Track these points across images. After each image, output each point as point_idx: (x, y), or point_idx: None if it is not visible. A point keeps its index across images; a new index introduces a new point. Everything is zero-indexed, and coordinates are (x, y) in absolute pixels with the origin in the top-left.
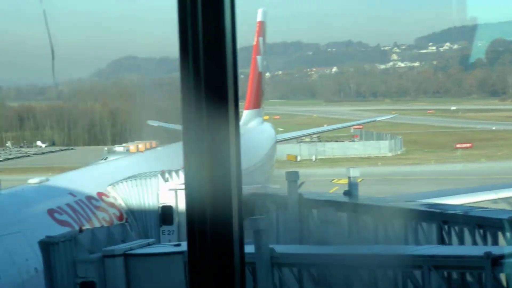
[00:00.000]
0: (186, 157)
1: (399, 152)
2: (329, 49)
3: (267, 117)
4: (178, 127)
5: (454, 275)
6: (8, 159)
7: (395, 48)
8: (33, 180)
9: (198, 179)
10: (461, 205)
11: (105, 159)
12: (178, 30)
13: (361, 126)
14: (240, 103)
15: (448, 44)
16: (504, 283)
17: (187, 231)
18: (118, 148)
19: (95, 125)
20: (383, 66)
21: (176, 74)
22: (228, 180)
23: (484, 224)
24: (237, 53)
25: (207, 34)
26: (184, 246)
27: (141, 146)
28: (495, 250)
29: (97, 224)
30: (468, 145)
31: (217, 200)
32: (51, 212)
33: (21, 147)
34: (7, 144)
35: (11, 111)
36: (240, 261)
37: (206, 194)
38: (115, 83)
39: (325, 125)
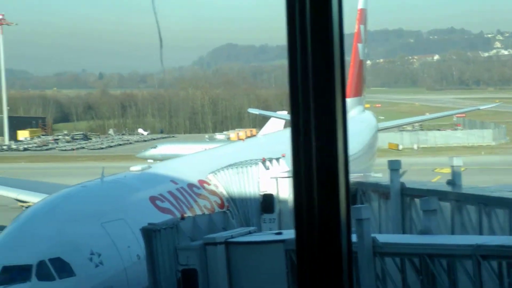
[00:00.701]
0: (293, 145)
1: (503, 141)
2: (430, 37)
3: (368, 106)
4: (278, 115)
5: None
6: (111, 146)
7: (498, 35)
8: (136, 168)
9: (305, 167)
10: None
11: (155, 147)
12: (286, 19)
13: (463, 115)
14: None
15: None
16: None
17: (295, 219)
18: (219, 136)
19: (196, 112)
20: (486, 54)
21: (275, 62)
22: (336, 168)
23: None
24: (344, 41)
25: (315, 23)
26: (285, 235)
27: (241, 134)
28: None
29: (198, 212)
30: None
31: (325, 188)
32: (153, 199)
33: (123, 134)
34: (109, 132)
35: (114, 98)
36: (347, 249)
37: (314, 183)
38: (215, 71)
39: (427, 114)
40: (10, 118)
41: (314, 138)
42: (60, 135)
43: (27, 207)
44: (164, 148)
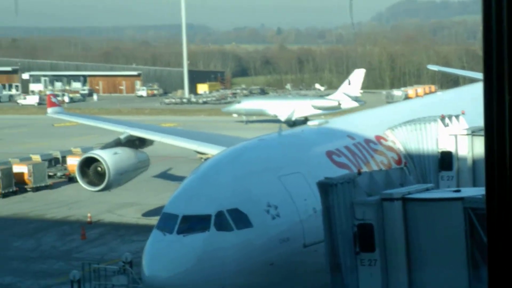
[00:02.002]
0: (486, 101)
1: None
2: None
3: None
4: (459, 72)
5: None
6: None
7: None
8: (313, 122)
9: (497, 124)
10: None
11: (239, 102)
12: None
13: None
14: None
15: None
16: None
17: (486, 176)
18: (396, 93)
19: (373, 69)
20: None
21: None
22: None
23: None
24: None
25: None
26: (464, 192)
27: (419, 90)
28: None
29: (375, 167)
30: None
31: None
32: (329, 154)
33: (300, 89)
34: (286, 87)
35: (291, 53)
36: None
37: (506, 140)
38: (394, 26)
39: None
40: (190, 72)
41: (508, 93)
42: (238, 89)
43: (206, 159)
44: (247, 103)
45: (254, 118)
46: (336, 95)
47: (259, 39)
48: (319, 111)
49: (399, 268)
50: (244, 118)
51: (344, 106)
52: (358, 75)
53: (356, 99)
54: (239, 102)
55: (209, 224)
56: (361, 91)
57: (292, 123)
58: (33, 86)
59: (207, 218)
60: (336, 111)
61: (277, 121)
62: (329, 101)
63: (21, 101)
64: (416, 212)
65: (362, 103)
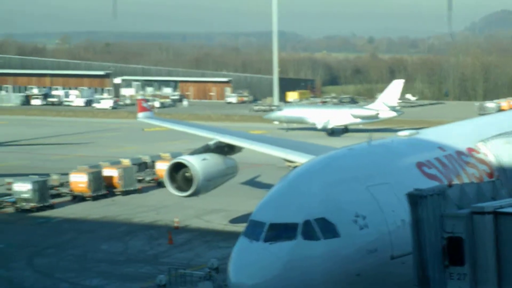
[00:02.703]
0: None
1: None
2: None
3: None
4: None
5: None
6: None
7: None
8: (403, 133)
9: None
10: None
11: (280, 110)
12: None
13: None
14: None
15: None
16: None
17: None
18: (489, 104)
19: (466, 79)
20: None
21: None
22: None
23: None
24: None
25: None
26: None
27: None
28: None
29: (466, 180)
30: None
31: None
32: (419, 165)
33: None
34: (376, 96)
35: (382, 63)
36: None
37: None
38: (488, 37)
39: None
40: (280, 80)
41: None
42: (328, 97)
43: (294, 167)
44: (288, 111)
45: (295, 125)
46: (375, 104)
47: (350, 48)
48: (358, 120)
49: (489, 283)
50: (285, 125)
51: (382, 116)
52: (396, 86)
53: (394, 109)
54: (280, 109)
55: (296, 232)
56: (400, 101)
57: (330, 131)
58: (124, 91)
59: (294, 227)
60: (374, 120)
61: (315, 129)
62: (368, 111)
63: (95, 104)
64: (508, 226)
65: (400, 113)
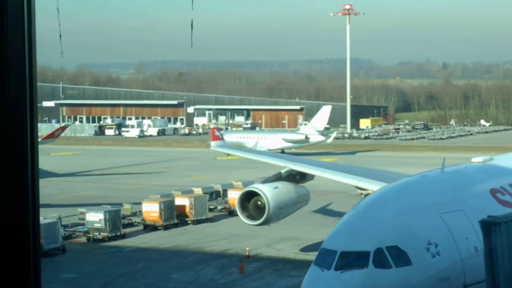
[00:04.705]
0: None
1: None
2: None
3: None
4: None
5: None
6: (451, 137)
7: None
8: (477, 159)
9: None
10: None
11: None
12: None
13: None
14: None
15: None
16: None
17: None
18: None
19: None
20: None
21: None
22: None
23: None
24: None
25: None
26: None
27: None
28: None
29: None
30: None
31: None
32: (493, 191)
33: (464, 125)
34: (450, 122)
35: (456, 89)
36: None
37: None
38: None
39: None
40: (353, 107)
41: None
42: (401, 124)
43: (366, 195)
44: (229, 137)
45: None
46: (304, 129)
47: (424, 74)
48: (290, 144)
49: None
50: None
51: (312, 140)
52: (325, 111)
53: (322, 133)
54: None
55: (367, 260)
56: (327, 125)
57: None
58: (197, 120)
59: (365, 255)
60: (304, 144)
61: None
62: (297, 135)
63: (124, 133)
64: None
65: (328, 137)
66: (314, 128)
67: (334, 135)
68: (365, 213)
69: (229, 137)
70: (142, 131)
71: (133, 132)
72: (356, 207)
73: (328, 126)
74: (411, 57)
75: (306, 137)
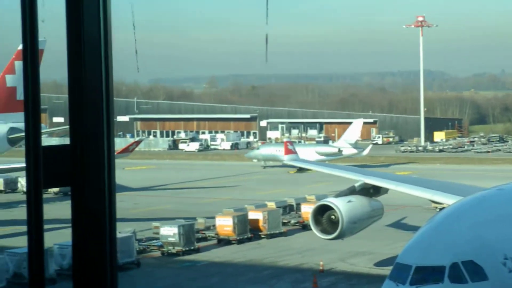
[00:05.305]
0: None
1: None
2: None
3: None
4: None
5: None
6: None
7: None
8: None
9: None
10: None
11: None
12: None
13: None
14: None
15: None
16: None
17: None
18: None
19: None
20: None
21: None
22: None
23: None
24: None
25: None
26: None
27: None
28: None
29: None
30: None
31: None
32: None
33: None
34: None
35: None
36: None
37: None
38: None
39: None
40: (427, 119)
41: None
42: (476, 137)
43: (441, 209)
44: (264, 150)
45: (271, 163)
46: (338, 142)
47: (499, 86)
48: (323, 157)
49: None
50: (263, 163)
51: (345, 153)
52: (357, 125)
53: (355, 146)
54: (258, 148)
55: (443, 276)
56: (359, 139)
57: (298, 168)
58: (270, 133)
59: (441, 270)
60: (337, 157)
61: (289, 165)
62: (331, 148)
63: (183, 147)
64: None
65: (361, 150)
66: (347, 141)
67: (369, 148)
68: (440, 227)
69: (266, 150)
70: (201, 144)
71: (193, 146)
72: (431, 221)
73: (360, 139)
74: (485, 69)
75: (339, 150)
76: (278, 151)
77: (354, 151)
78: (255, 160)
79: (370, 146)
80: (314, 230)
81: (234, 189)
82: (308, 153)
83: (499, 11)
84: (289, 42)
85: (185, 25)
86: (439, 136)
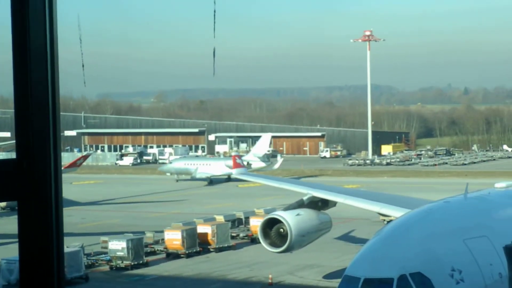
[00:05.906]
0: None
1: None
2: None
3: None
4: None
5: None
6: (474, 162)
7: None
8: (500, 184)
9: None
10: None
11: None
12: None
13: None
14: None
15: None
16: None
17: None
18: None
19: None
20: None
21: None
22: None
23: None
24: None
25: None
26: None
27: None
28: None
29: None
30: None
31: None
32: None
33: (486, 150)
34: (473, 148)
35: (478, 114)
36: None
37: None
38: None
39: None
40: (374, 133)
41: None
42: (423, 150)
43: (389, 221)
44: (176, 164)
45: (183, 176)
46: (247, 156)
47: (445, 100)
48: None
49: None
50: (176, 176)
51: (254, 166)
52: (265, 139)
53: (263, 159)
54: (170, 162)
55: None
56: (268, 152)
57: (209, 181)
58: (218, 147)
59: (389, 282)
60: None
61: (202, 178)
62: None
63: (118, 161)
64: None
65: (269, 163)
66: (256, 155)
67: (280, 162)
68: (388, 239)
69: (178, 164)
70: (136, 159)
71: (127, 160)
72: (379, 234)
73: (269, 152)
74: (432, 83)
75: (248, 164)
76: (189, 165)
77: (262, 164)
78: (168, 174)
79: (281, 159)
80: (263, 244)
81: (182, 203)
82: (219, 167)
83: (446, 27)
84: (237, 56)
85: (132, 41)
86: (386, 149)
